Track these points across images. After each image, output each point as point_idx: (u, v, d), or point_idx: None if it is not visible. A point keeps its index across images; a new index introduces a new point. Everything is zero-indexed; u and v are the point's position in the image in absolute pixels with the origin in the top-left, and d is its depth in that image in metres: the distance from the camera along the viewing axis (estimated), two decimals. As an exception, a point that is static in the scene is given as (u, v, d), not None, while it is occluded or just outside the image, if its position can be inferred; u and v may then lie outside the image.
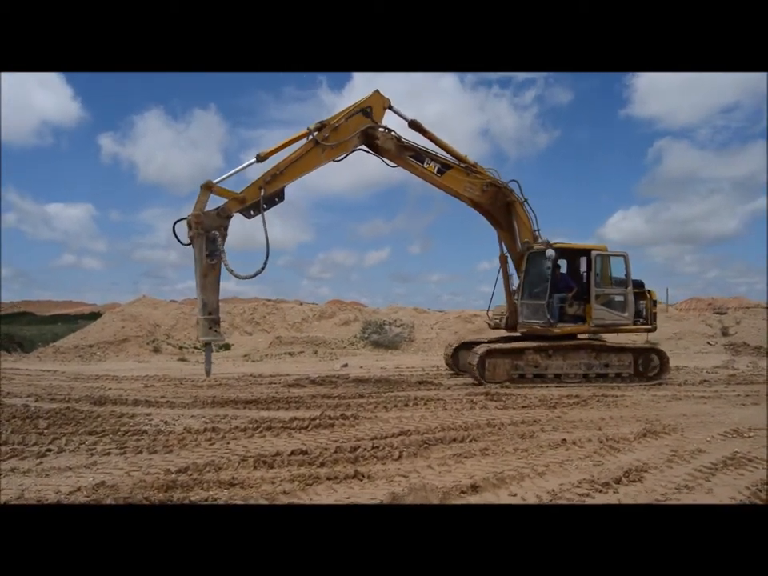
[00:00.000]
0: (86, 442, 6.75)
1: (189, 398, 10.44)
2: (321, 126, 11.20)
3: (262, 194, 10.55)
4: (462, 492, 4.96)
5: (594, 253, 13.22)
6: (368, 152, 12.38)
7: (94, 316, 34.95)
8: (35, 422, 7.84)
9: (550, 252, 12.68)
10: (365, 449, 6.43)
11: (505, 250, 13.91)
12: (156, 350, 22.84)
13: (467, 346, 14.17)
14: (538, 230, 13.49)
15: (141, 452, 6.37)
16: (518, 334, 13.72)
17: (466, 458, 6.20)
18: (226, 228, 10.21)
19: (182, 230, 10.10)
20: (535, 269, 13.52)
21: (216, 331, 10.07)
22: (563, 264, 13.69)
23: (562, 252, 13.14)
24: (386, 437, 7.09)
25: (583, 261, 13.61)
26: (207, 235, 9.86)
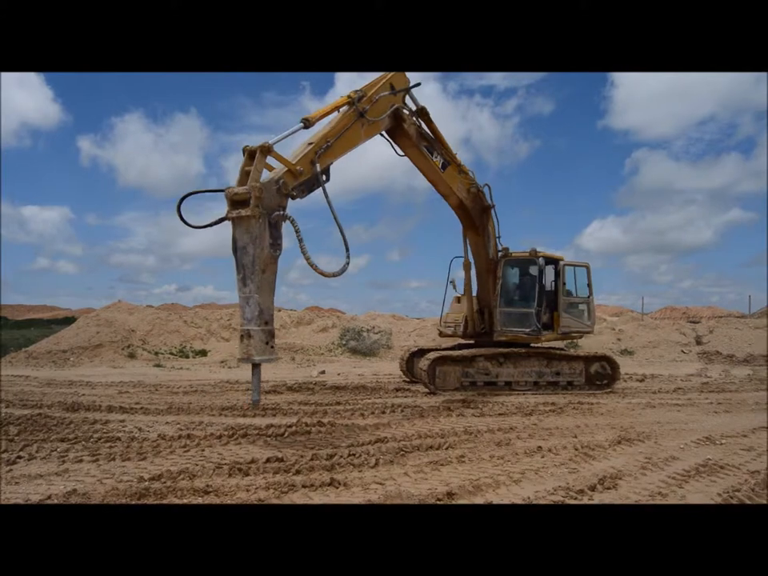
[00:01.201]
0: (58, 449, 6.64)
1: (164, 405, 10.31)
2: (362, 95, 9.28)
3: (318, 168, 8.18)
4: (438, 500, 4.96)
5: (561, 263, 13.44)
6: (383, 136, 10.69)
7: (69, 321, 34.51)
8: (5, 429, 7.70)
9: (542, 261, 12.98)
10: (341, 456, 6.40)
11: (470, 256, 13.58)
12: (131, 356, 22.57)
13: (423, 353, 13.92)
14: (499, 237, 13.49)
15: (114, 459, 6.28)
16: (471, 342, 13.71)
17: (442, 465, 6.20)
18: (284, 209, 7.62)
19: (197, 210, 8.20)
20: (514, 276, 13.65)
21: (273, 347, 7.33)
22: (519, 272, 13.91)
23: (517, 261, 13.58)
24: (362, 444, 7.07)
25: (548, 270, 13.67)
26: (269, 218, 7.24)
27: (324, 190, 8.14)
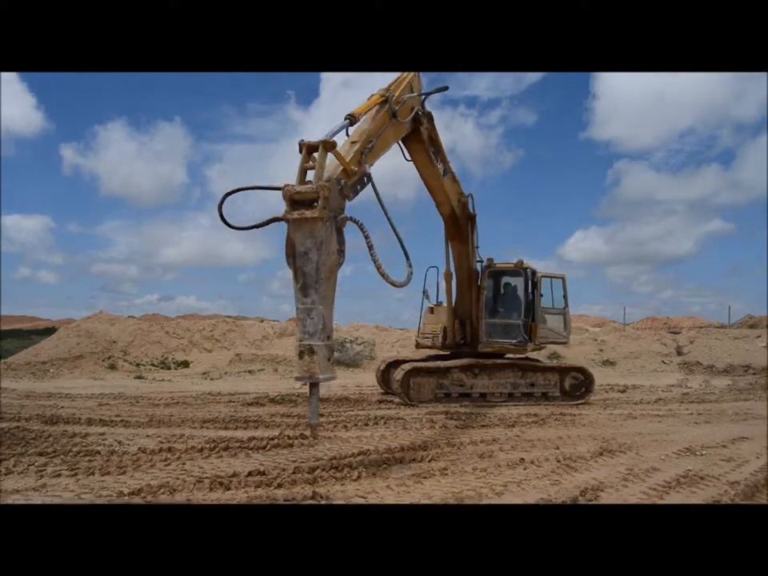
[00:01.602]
0: (36, 463, 6.54)
1: (144, 417, 10.21)
2: (393, 95, 8.45)
3: (367, 168, 7.40)
4: (421, 513, 4.94)
5: (538, 274, 13.53)
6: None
7: (49, 331, 34.07)
8: (-18, 443, 7.58)
9: (529, 272, 13.19)
10: (323, 469, 6.37)
11: (451, 266, 13.41)
12: (112, 368, 22.37)
13: (399, 364, 13.64)
14: (478, 247, 13.48)
15: (93, 473, 6.20)
16: (447, 353, 13.61)
17: (425, 477, 6.19)
18: (343, 210, 6.73)
19: (240, 210, 6.80)
20: (498, 287, 13.75)
21: (332, 364, 6.41)
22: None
23: (500, 272, 13.73)
24: (345, 457, 7.04)
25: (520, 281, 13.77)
26: (336, 221, 6.45)
27: (375, 190, 7.48)
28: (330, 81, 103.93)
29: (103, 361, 22.79)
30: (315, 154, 6.44)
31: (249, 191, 7.04)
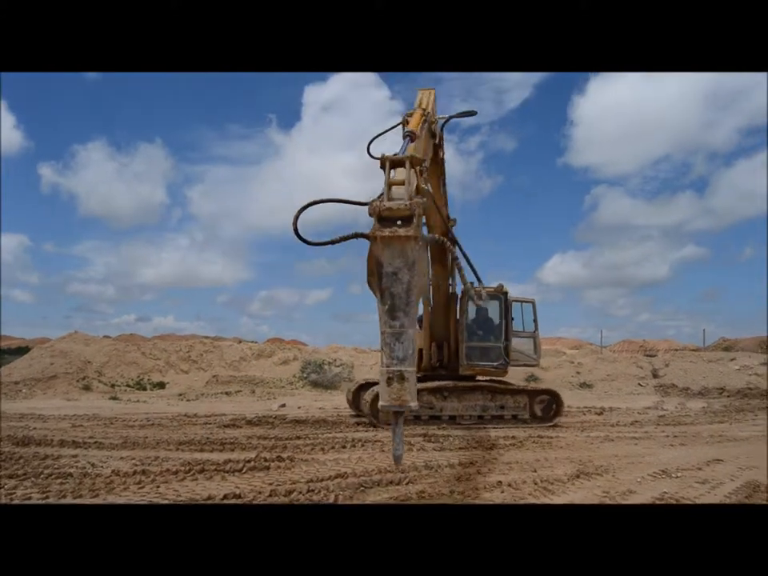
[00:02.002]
0: (5, 486, 6.39)
1: (119, 439, 10.05)
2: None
3: (430, 188, 7.17)
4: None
5: (510, 298, 13.69)
6: None
7: (22, 351, 33.53)
8: (-49, 465, 7.41)
9: (510, 296, 13.41)
10: (300, 492, 6.32)
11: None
12: (86, 388, 22.03)
13: (369, 386, 13.60)
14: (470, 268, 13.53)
15: (65, 496, 6.07)
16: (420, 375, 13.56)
17: (402, 501, 6.16)
18: None
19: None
20: (480, 310, 13.74)
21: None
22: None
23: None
24: (322, 479, 6.99)
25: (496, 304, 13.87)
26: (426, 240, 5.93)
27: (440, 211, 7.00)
28: (312, 106, 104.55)
29: (77, 381, 22.44)
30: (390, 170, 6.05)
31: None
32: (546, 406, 13.39)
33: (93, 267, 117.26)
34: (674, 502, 6.20)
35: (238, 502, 5.90)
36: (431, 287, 13.14)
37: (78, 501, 5.91)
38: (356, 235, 5.95)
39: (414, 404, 5.52)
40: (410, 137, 7.02)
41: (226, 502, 5.88)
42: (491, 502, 4.82)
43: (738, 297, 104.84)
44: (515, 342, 13.58)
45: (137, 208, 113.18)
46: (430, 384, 12.70)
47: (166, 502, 5.83)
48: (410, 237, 5.59)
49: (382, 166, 6.04)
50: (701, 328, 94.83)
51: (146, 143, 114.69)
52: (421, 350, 13.34)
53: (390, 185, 5.89)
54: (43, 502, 5.16)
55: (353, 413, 14.70)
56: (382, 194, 5.88)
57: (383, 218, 5.67)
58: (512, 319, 13.60)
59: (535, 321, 14.09)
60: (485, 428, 12.44)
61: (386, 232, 5.60)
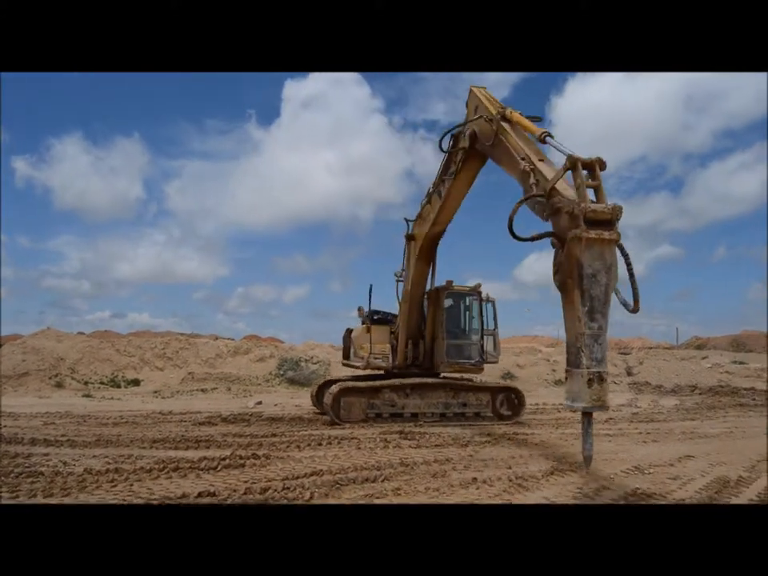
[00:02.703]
0: (-25, 486, 6.30)
1: (92, 437, 9.94)
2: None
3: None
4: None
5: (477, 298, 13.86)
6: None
7: (-8, 348, 32.96)
8: None
9: (486, 295, 13.67)
10: (275, 490, 6.29)
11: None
12: (59, 385, 21.73)
13: (333, 383, 13.53)
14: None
15: (35, 496, 5.99)
16: (380, 373, 13.61)
17: (377, 498, 6.16)
18: None
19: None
20: (456, 309, 13.83)
21: None
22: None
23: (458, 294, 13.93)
24: (297, 477, 6.97)
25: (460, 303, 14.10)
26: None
27: None
28: (291, 101, 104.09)
29: (50, 378, 22.12)
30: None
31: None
32: (507, 404, 13.42)
33: (67, 262, 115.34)
34: (645, 501, 6.28)
35: (213, 500, 5.86)
36: (412, 283, 13.20)
37: (51, 500, 5.84)
38: (550, 234, 6.27)
39: (610, 404, 5.79)
40: (548, 134, 7.24)
41: (200, 500, 5.84)
42: (482, 503, 4.83)
43: (711, 296, 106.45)
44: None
45: (113, 203, 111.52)
46: (390, 381, 12.73)
47: (140, 500, 5.77)
48: (612, 240, 5.82)
49: (573, 167, 6.15)
50: (674, 327, 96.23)
51: (123, 137, 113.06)
52: (395, 347, 13.49)
53: (585, 186, 6.05)
54: (15, 501, 5.07)
55: (317, 410, 14.63)
56: (576, 196, 6.04)
57: (588, 220, 5.81)
58: (473, 318, 13.85)
59: (495, 319, 14.22)
60: (448, 425, 12.39)
61: (593, 234, 5.76)
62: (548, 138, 7.26)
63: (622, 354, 33.86)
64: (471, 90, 10.06)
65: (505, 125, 8.43)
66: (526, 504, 4.77)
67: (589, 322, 5.82)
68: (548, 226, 6.56)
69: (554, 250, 6.38)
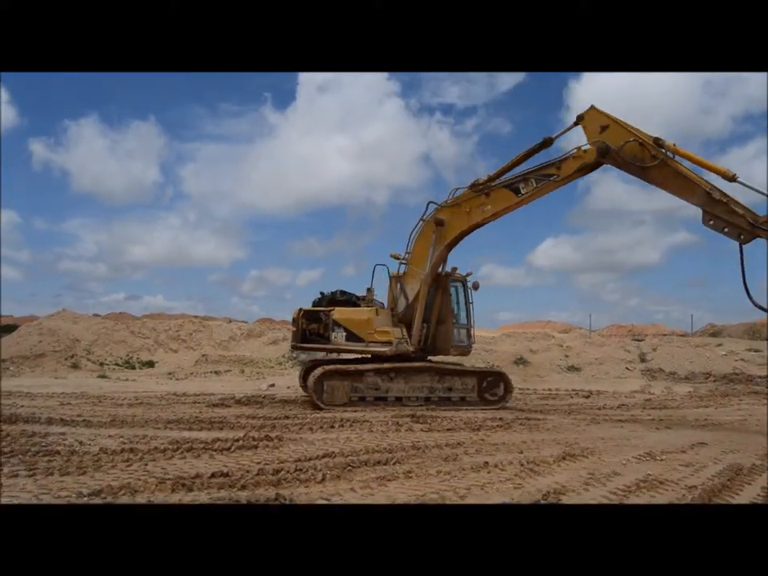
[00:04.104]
0: (-7, 464, 6.40)
1: (107, 417, 10.06)
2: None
3: None
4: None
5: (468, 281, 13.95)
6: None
7: (10, 329, 33.30)
8: (-63, 441, 7.38)
9: (475, 282, 13.80)
10: (288, 471, 6.35)
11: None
12: (74, 366, 21.99)
13: (319, 365, 13.38)
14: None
15: (52, 474, 6.08)
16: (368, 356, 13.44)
17: (389, 480, 6.20)
18: None
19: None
20: (454, 295, 13.90)
21: None
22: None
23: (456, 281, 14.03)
24: (310, 459, 7.02)
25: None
26: None
27: None
28: (306, 85, 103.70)
29: (66, 360, 22.39)
30: None
31: None
32: (493, 388, 13.35)
33: (84, 245, 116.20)
34: (659, 484, 6.28)
35: (226, 480, 5.92)
36: (433, 267, 13.28)
37: (67, 479, 5.92)
38: None
39: None
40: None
41: (213, 480, 5.91)
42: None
43: (727, 284, 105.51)
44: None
45: (129, 186, 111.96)
46: (374, 365, 12.67)
47: (154, 480, 5.84)
48: None
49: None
50: (689, 314, 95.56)
51: (139, 120, 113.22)
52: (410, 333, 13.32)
53: None
54: (14, 502, 5.15)
55: (304, 394, 14.49)
56: None
57: None
58: (471, 303, 14.02)
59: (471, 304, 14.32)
60: (433, 410, 12.27)
61: None
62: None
63: (635, 340, 33.66)
64: (595, 109, 11.48)
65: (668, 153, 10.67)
66: (525, 504, 4.78)
67: None
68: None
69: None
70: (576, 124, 11.75)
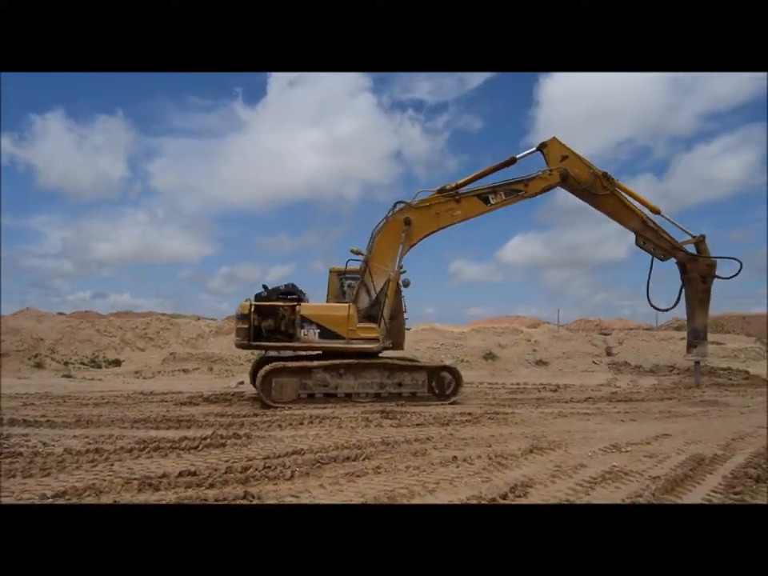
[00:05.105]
0: (-48, 466, 6.26)
1: (72, 417, 9.89)
2: None
3: None
4: (353, 511, 4.95)
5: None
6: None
7: (-30, 328, 32.55)
8: None
9: (407, 279, 13.67)
10: (256, 468, 6.32)
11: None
12: (38, 366, 21.55)
13: (269, 362, 13.14)
14: None
15: (14, 476, 5.97)
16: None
17: (358, 476, 6.21)
18: None
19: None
20: (399, 293, 13.89)
21: None
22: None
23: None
24: (278, 456, 7.00)
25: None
26: None
27: None
28: (278, 79, 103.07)
29: (29, 359, 21.93)
30: None
31: None
32: (443, 383, 13.22)
33: (49, 242, 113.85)
34: (624, 475, 6.39)
35: (194, 480, 5.87)
36: (399, 265, 13.32)
37: (30, 481, 5.82)
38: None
39: None
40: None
41: (181, 479, 5.86)
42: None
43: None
44: None
45: (96, 182, 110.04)
46: (323, 362, 12.50)
47: (120, 480, 5.77)
48: None
49: (701, 240, 9.61)
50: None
51: (106, 115, 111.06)
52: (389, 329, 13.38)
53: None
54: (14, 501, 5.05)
55: (255, 391, 13.98)
56: None
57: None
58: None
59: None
60: (402, 404, 12.34)
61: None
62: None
63: (602, 334, 34.20)
64: (557, 140, 13.66)
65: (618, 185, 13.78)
66: (524, 504, 4.81)
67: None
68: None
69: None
70: (539, 150, 13.70)
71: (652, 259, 14.13)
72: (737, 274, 13.70)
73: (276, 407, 11.62)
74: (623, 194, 13.81)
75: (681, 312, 14.84)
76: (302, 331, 12.66)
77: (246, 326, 12.57)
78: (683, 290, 14.27)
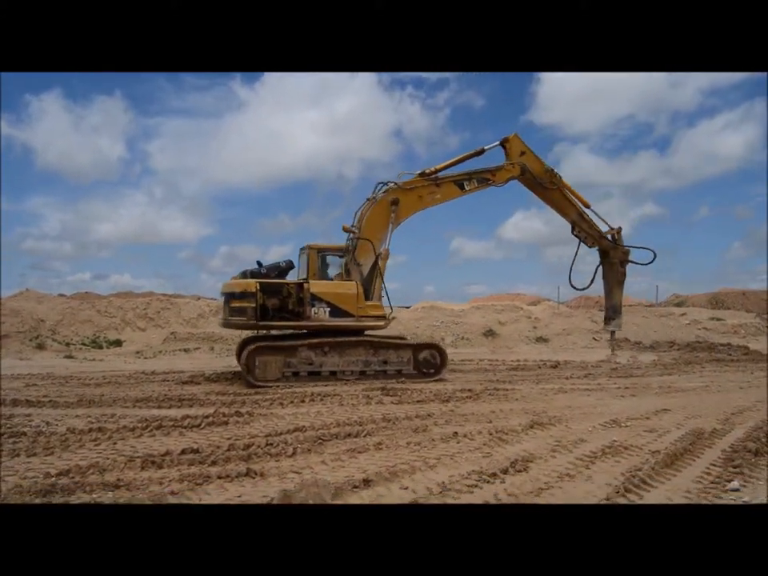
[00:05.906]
0: (-43, 446, 6.30)
1: (74, 397, 9.94)
2: None
3: None
4: (355, 487, 5.00)
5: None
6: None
7: (-29, 310, 32.58)
8: None
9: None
10: (258, 446, 6.36)
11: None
12: (40, 347, 21.58)
13: (253, 341, 13.18)
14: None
15: (18, 455, 6.01)
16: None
17: (359, 452, 6.26)
18: None
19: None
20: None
21: None
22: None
23: None
24: (280, 433, 7.04)
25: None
26: None
27: None
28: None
29: (30, 340, 21.96)
30: None
31: None
32: (428, 361, 13.21)
33: (48, 224, 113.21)
34: (623, 450, 6.43)
35: (197, 457, 5.92)
36: (387, 243, 13.47)
37: (34, 460, 5.86)
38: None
39: None
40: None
41: (184, 456, 5.90)
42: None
43: (692, 255, 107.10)
44: None
45: (95, 163, 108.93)
46: (308, 340, 12.41)
47: (123, 458, 5.81)
48: None
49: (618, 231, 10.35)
50: (655, 285, 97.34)
51: (104, 95, 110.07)
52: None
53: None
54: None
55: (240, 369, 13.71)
56: None
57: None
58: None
59: None
60: (403, 382, 12.35)
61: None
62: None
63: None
64: (517, 137, 15.24)
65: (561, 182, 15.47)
66: (524, 504, 4.82)
67: None
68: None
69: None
70: (501, 145, 15.23)
71: (578, 245, 16.17)
72: (651, 262, 16.29)
73: (260, 386, 11.49)
74: (565, 189, 15.64)
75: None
76: (313, 310, 12.44)
77: (253, 305, 12.09)
78: (603, 272, 16.56)
